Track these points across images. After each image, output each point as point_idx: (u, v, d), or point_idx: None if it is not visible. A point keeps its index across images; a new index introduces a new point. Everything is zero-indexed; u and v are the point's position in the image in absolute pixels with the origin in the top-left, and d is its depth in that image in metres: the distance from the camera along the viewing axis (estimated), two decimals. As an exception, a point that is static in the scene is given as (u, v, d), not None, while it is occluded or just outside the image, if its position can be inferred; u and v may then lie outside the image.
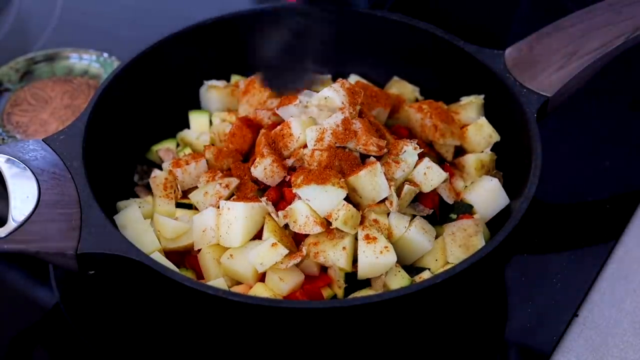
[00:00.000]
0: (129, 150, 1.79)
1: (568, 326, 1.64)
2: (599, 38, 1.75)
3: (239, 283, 1.56)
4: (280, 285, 1.51)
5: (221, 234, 1.55)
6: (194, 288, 1.41)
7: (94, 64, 2.11)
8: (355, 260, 1.54)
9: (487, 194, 1.65)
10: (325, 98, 1.63)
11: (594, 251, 1.77)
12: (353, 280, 1.55)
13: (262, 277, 1.55)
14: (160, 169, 1.77)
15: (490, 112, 1.79)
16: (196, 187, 1.68)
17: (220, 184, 1.63)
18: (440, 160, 1.74)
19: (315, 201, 1.53)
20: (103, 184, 1.60)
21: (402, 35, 1.88)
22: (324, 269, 1.56)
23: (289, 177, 1.60)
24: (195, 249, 1.60)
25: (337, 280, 1.54)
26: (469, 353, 1.63)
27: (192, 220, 1.61)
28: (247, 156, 1.74)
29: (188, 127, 1.87)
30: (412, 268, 1.59)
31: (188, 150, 1.80)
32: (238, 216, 1.54)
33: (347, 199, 1.56)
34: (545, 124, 1.72)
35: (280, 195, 1.60)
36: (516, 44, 1.79)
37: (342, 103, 1.62)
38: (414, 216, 1.61)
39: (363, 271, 1.53)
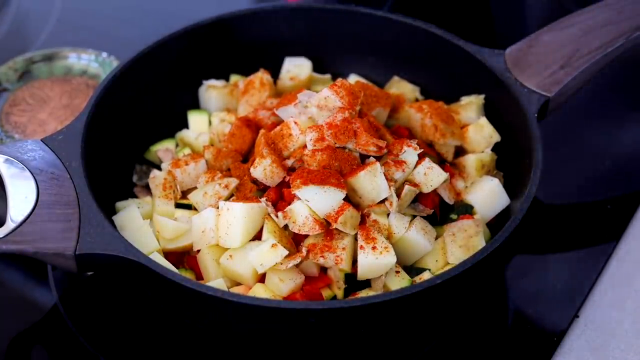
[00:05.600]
0: (128, 151, 1.78)
1: (569, 327, 1.64)
2: (600, 38, 1.75)
3: (238, 284, 1.56)
4: (279, 286, 1.51)
5: (220, 235, 1.55)
6: (193, 289, 1.40)
7: (92, 63, 2.11)
8: (355, 261, 1.54)
9: (487, 194, 1.65)
10: (325, 98, 1.62)
11: (594, 252, 1.77)
12: (353, 281, 1.54)
13: (261, 278, 1.54)
14: (160, 169, 1.76)
15: (490, 112, 1.79)
16: (195, 188, 1.68)
17: (220, 184, 1.63)
18: (440, 161, 1.73)
19: (315, 202, 1.52)
20: (102, 184, 1.60)
21: (402, 35, 1.87)
22: (323, 269, 1.56)
23: (288, 177, 1.59)
24: (195, 249, 1.60)
25: (337, 281, 1.54)
26: (470, 353, 1.63)
27: (192, 221, 1.60)
28: (247, 156, 1.73)
29: (187, 127, 1.86)
30: (412, 269, 1.59)
31: (187, 151, 1.79)
32: (237, 217, 1.54)
33: (347, 199, 1.55)
34: (545, 124, 1.72)
35: (279, 196, 1.60)
36: (516, 44, 1.78)
37: (342, 103, 1.62)
38: (414, 217, 1.61)
39: (363, 272, 1.52)
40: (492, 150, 1.74)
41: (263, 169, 1.59)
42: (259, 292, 1.52)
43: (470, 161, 1.72)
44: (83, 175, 1.54)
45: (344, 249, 1.53)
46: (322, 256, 1.52)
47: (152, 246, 1.58)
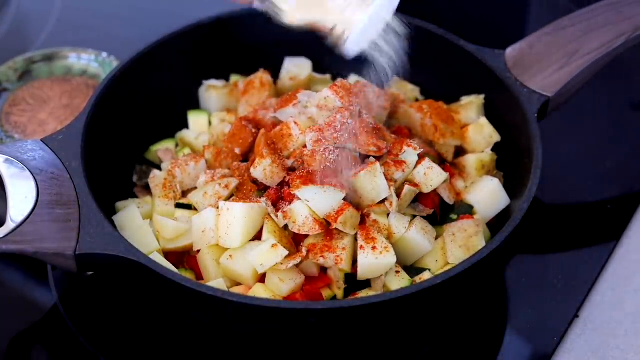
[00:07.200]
0: (128, 151, 1.78)
1: (569, 327, 1.64)
2: (600, 38, 1.75)
3: (238, 284, 1.56)
4: (280, 286, 1.51)
5: (220, 235, 1.55)
6: (193, 289, 1.40)
7: (92, 63, 2.11)
8: (355, 261, 1.54)
9: (487, 195, 1.65)
10: (325, 98, 1.63)
11: (594, 252, 1.77)
12: (353, 281, 1.54)
13: (261, 278, 1.54)
14: (160, 169, 1.76)
15: (490, 112, 1.79)
16: (195, 188, 1.68)
17: (220, 184, 1.63)
18: (440, 161, 1.73)
19: (315, 202, 1.52)
20: (102, 184, 1.60)
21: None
22: (323, 269, 1.56)
23: (288, 177, 1.59)
24: (195, 249, 1.60)
25: (337, 281, 1.54)
26: (469, 353, 1.63)
27: (192, 221, 1.60)
28: (247, 156, 1.73)
29: (187, 127, 1.86)
30: (412, 269, 1.59)
31: (187, 151, 1.79)
32: (237, 217, 1.54)
33: (347, 199, 1.55)
34: (545, 124, 1.72)
35: (279, 196, 1.60)
36: (517, 44, 1.78)
37: (342, 103, 1.62)
38: (414, 217, 1.60)
39: (363, 272, 1.52)
40: (492, 150, 1.74)
41: (263, 169, 1.59)
42: (259, 292, 1.52)
43: (470, 161, 1.72)
44: (83, 175, 1.54)
45: (344, 249, 1.53)
46: (322, 256, 1.52)
47: (152, 246, 1.58)
